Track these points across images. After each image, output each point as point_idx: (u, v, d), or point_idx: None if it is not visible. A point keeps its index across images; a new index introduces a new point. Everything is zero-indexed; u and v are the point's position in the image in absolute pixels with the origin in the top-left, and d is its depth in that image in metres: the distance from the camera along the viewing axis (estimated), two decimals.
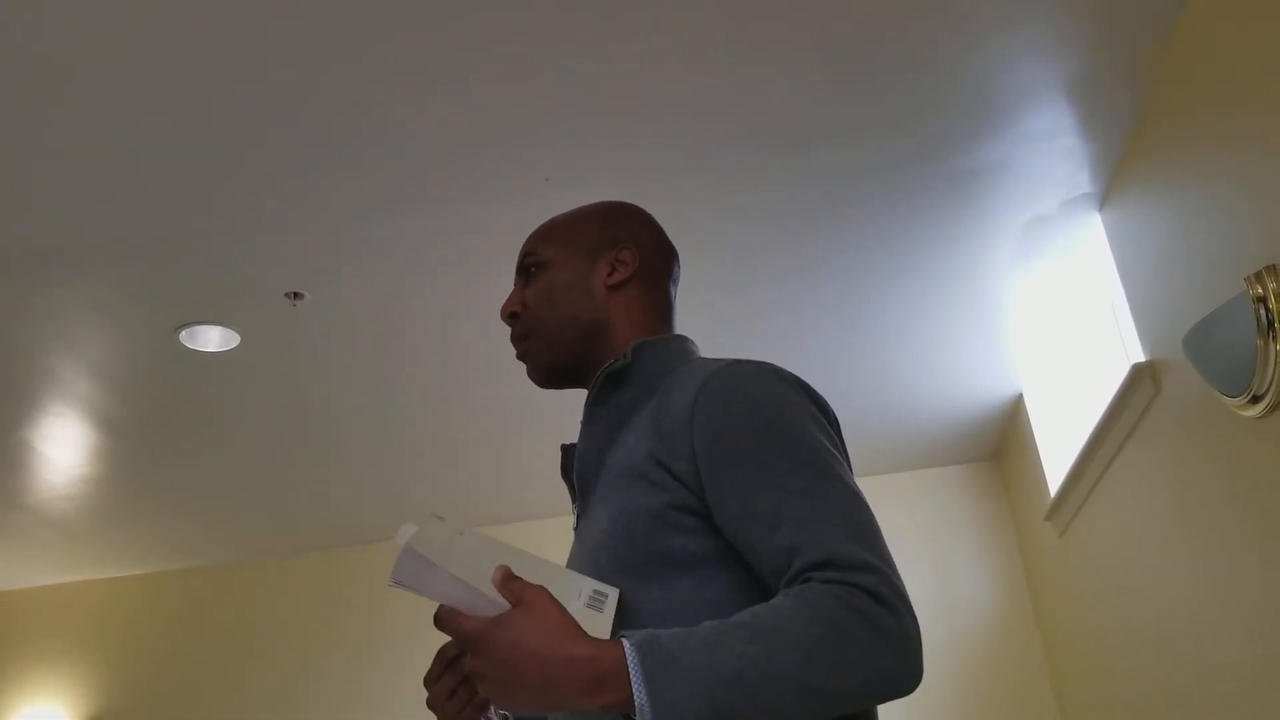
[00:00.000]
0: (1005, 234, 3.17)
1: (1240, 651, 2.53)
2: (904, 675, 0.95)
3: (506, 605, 0.98)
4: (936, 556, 4.60)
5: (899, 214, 3.04)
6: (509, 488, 4.69)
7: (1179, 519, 2.84)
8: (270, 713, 4.88)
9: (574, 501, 1.29)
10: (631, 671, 0.92)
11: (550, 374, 1.34)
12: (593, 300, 1.32)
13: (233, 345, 3.42)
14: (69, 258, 2.94)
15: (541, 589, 0.99)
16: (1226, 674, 2.63)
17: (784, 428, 1.08)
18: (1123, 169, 2.89)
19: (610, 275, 1.33)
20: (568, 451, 1.33)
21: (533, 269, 1.35)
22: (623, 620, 1.07)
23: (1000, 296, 3.50)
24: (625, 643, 0.94)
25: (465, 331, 3.47)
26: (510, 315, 1.35)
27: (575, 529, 1.27)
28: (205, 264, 3.03)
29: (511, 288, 1.39)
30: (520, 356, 1.34)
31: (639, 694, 0.91)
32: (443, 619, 0.99)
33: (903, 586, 0.99)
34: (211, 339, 3.38)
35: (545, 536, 4.76)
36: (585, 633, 0.97)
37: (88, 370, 3.50)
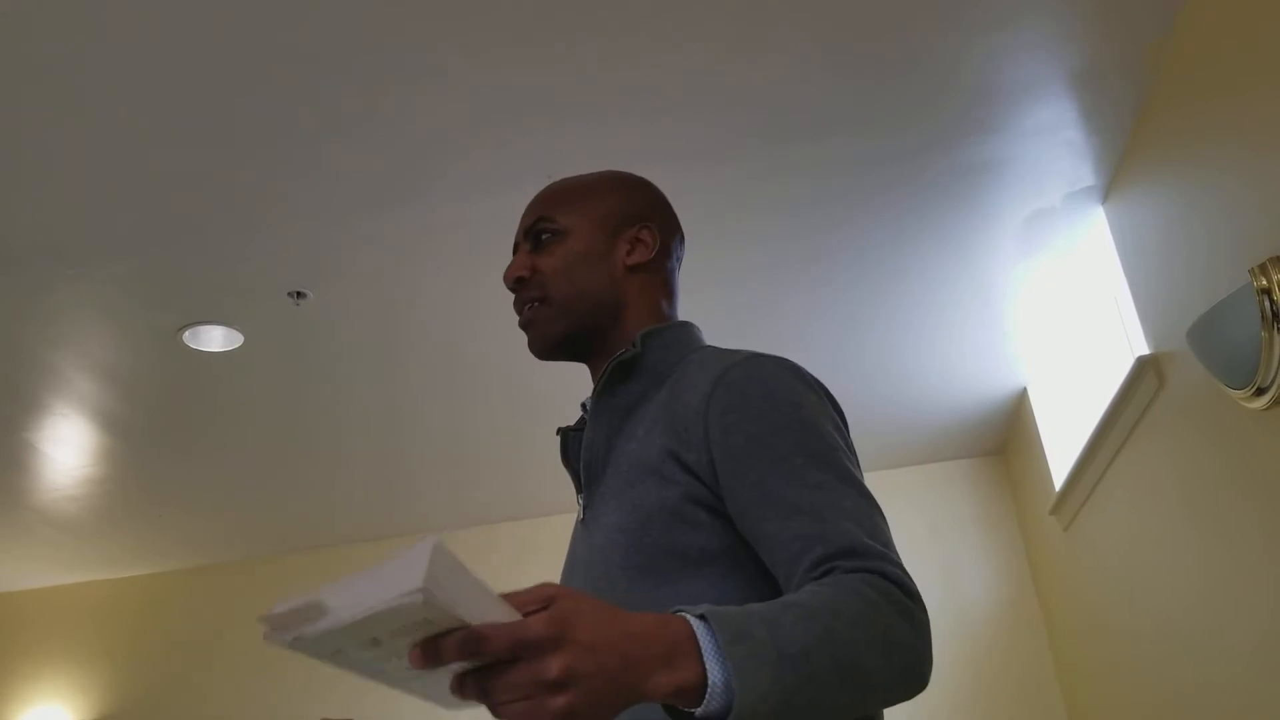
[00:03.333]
0: (1009, 228, 3.16)
1: (1246, 646, 2.53)
2: (927, 668, 0.93)
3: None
4: (942, 552, 4.60)
5: (902, 208, 3.04)
6: (516, 484, 4.69)
7: (1184, 512, 2.84)
8: (275, 712, 4.88)
9: (579, 491, 1.27)
10: (703, 644, 0.81)
11: (556, 346, 1.27)
12: (611, 278, 1.27)
13: (236, 345, 3.42)
14: (72, 258, 2.94)
15: (557, 584, 0.81)
16: (1232, 668, 2.62)
17: (802, 424, 1.07)
18: (1126, 162, 2.88)
19: (630, 254, 1.28)
20: (568, 437, 1.31)
21: (545, 235, 1.28)
22: None
23: (1004, 290, 3.50)
24: (686, 615, 0.83)
25: (470, 326, 3.46)
26: (516, 280, 1.28)
27: (581, 520, 1.24)
28: (208, 264, 3.03)
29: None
30: (525, 323, 1.28)
31: (714, 669, 0.80)
32: (491, 631, 0.71)
33: (916, 586, 0.98)
34: (215, 339, 3.39)
35: (553, 533, 4.77)
36: None
37: (91, 371, 3.50)
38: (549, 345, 1.27)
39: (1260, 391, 2.17)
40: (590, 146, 2.70)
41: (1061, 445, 3.96)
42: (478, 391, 3.87)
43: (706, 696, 0.80)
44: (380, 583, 0.67)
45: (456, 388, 3.84)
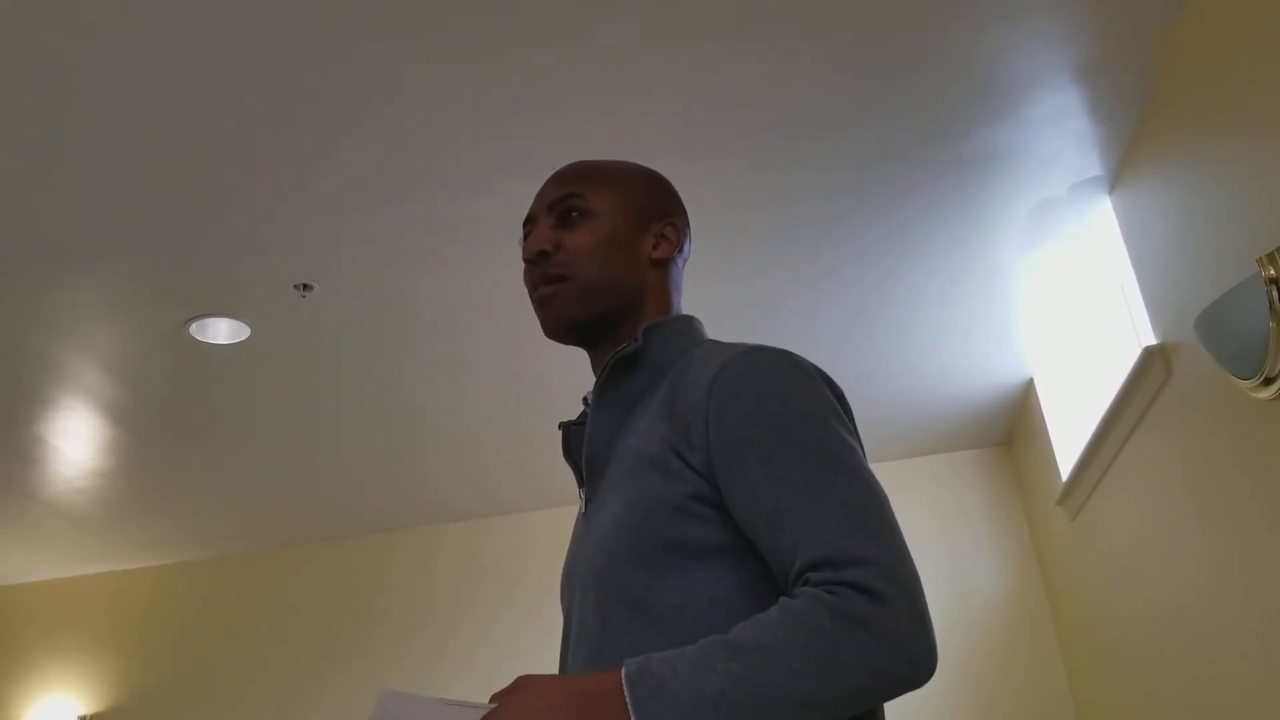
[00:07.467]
0: (1015, 218, 3.15)
1: (1252, 635, 2.53)
2: (905, 669, 0.94)
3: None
4: (948, 543, 4.60)
5: (908, 200, 3.03)
6: (524, 474, 4.69)
7: (1191, 502, 2.83)
8: (284, 704, 4.90)
9: (580, 485, 1.26)
10: (628, 699, 0.93)
11: (570, 327, 1.24)
12: (637, 269, 1.26)
13: (243, 337, 3.43)
14: (80, 253, 2.95)
15: (526, 675, 1.02)
16: (1237, 657, 2.62)
17: (795, 418, 1.06)
18: (1132, 152, 2.87)
19: (655, 248, 1.28)
20: (569, 431, 1.30)
21: (576, 213, 1.25)
22: (639, 611, 1.07)
23: (1010, 281, 3.49)
24: (621, 671, 0.95)
25: (476, 318, 3.47)
26: (539, 254, 1.24)
27: (583, 513, 1.24)
28: (214, 257, 3.04)
29: (518, 260, 1.31)
30: (543, 299, 1.24)
31: None
32: None
33: (905, 573, 0.97)
34: (221, 331, 3.39)
35: (563, 524, 4.77)
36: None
37: (99, 364, 3.51)
38: (563, 326, 1.24)
39: (1268, 381, 2.17)
40: (595, 142, 2.70)
41: (1068, 436, 3.96)
42: (485, 383, 3.88)
43: None
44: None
45: (464, 379, 3.84)
